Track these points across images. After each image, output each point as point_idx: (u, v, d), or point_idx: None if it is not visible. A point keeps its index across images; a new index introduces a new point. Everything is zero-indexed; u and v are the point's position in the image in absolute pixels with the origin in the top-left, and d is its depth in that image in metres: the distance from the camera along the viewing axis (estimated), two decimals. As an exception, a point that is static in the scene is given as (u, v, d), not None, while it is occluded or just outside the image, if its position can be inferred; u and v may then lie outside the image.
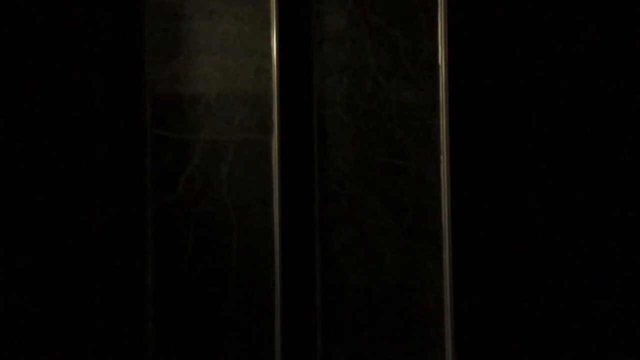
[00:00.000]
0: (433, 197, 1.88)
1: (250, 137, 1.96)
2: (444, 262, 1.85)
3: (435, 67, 1.89)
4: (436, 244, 1.87)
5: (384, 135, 1.92)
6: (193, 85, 1.98)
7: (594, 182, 1.80)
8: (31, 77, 1.95)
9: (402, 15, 1.92)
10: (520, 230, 1.82)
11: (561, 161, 1.82)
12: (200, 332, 1.94)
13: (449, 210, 1.84)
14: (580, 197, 1.81)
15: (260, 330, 1.93)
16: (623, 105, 1.80)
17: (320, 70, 1.94)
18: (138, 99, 1.98)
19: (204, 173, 1.97)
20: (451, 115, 1.85)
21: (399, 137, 1.91)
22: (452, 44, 1.86)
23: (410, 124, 1.91)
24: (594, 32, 1.82)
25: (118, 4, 1.98)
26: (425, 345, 1.87)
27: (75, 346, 1.94)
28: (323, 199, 1.93)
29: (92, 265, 1.94)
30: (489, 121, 1.85)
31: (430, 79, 1.89)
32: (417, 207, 1.90)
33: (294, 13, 1.94)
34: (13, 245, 1.92)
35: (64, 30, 1.97)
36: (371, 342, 1.90)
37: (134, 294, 1.96)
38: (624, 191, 1.79)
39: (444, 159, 1.86)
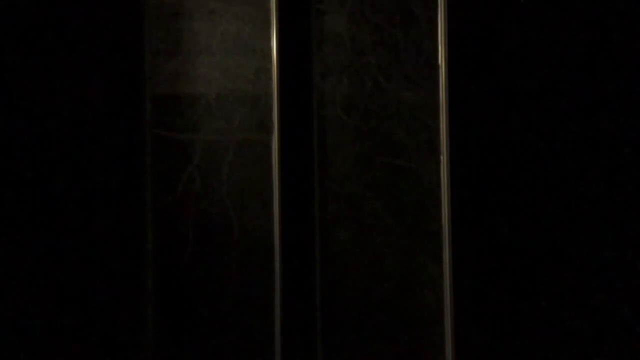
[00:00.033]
0: (433, 197, 1.88)
1: (250, 137, 1.96)
2: (444, 262, 1.85)
3: (435, 67, 1.89)
4: (436, 244, 1.88)
5: (384, 135, 1.92)
6: (193, 85, 1.98)
7: (594, 182, 1.80)
8: (31, 77, 1.95)
9: (402, 15, 1.92)
10: (520, 230, 1.82)
11: (561, 161, 1.82)
12: (200, 332, 1.95)
13: (449, 210, 1.84)
14: (580, 196, 1.81)
15: (260, 330, 1.93)
16: (623, 105, 1.80)
17: (320, 70, 1.94)
18: (138, 99, 1.98)
19: (204, 173, 1.97)
20: (451, 115, 1.85)
21: (399, 137, 1.91)
22: (452, 44, 1.86)
23: (410, 124, 1.91)
24: (594, 32, 1.82)
25: (118, 4, 1.99)
26: (425, 345, 1.87)
27: (75, 346, 1.94)
28: (323, 199, 1.93)
29: (92, 265, 1.94)
30: (489, 121, 1.85)
31: (430, 79, 1.89)
32: (417, 207, 1.90)
33: (294, 13, 1.94)
34: (13, 245, 1.92)
35: (64, 30, 1.97)
36: (371, 342, 1.90)
37: (134, 293, 1.96)
38: (624, 191, 1.79)
39: (444, 159, 1.86)
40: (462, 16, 1.86)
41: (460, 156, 1.85)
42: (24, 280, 1.92)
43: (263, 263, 1.94)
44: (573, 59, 1.83)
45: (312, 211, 1.93)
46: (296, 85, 1.94)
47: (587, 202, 1.80)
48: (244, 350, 1.94)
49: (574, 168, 1.81)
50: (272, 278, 1.92)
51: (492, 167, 1.84)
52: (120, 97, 1.98)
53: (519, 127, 1.84)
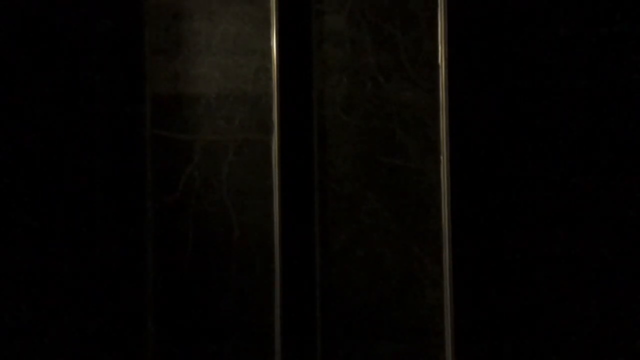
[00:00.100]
0: (433, 197, 1.88)
1: (250, 137, 1.96)
2: (444, 262, 1.85)
3: (435, 67, 1.89)
4: (436, 244, 1.87)
5: (384, 135, 1.92)
6: (193, 85, 1.98)
7: (594, 182, 1.80)
8: (31, 78, 1.95)
9: (402, 15, 1.92)
10: (520, 230, 1.82)
11: (561, 161, 1.82)
12: (201, 332, 1.95)
13: (449, 210, 1.84)
14: (580, 196, 1.81)
15: (260, 330, 1.93)
16: (623, 104, 1.80)
17: (320, 70, 1.94)
18: (138, 99, 1.98)
19: (204, 173, 1.97)
20: (451, 115, 1.85)
21: (399, 137, 1.91)
22: (452, 44, 1.86)
23: (410, 124, 1.91)
24: (595, 32, 1.82)
25: (118, 4, 1.99)
26: (425, 345, 1.87)
27: (75, 346, 1.94)
28: (323, 199, 1.93)
29: (92, 265, 1.94)
30: (489, 121, 1.85)
31: (430, 79, 1.89)
32: (417, 207, 1.90)
33: (294, 13, 1.94)
34: (13, 245, 1.92)
35: (64, 31, 1.97)
36: (371, 342, 1.90)
37: (134, 294, 1.96)
38: (625, 191, 1.79)
39: (444, 159, 1.86)
40: (462, 16, 1.86)
41: (460, 156, 1.85)
42: (24, 280, 1.92)
43: (263, 263, 1.94)
44: (573, 58, 1.83)
45: (312, 211, 1.93)
46: (296, 85, 1.94)
47: (587, 202, 1.80)
48: (244, 350, 1.94)
49: (574, 168, 1.81)
50: (272, 278, 1.92)
51: (492, 167, 1.84)
52: (120, 97, 1.98)
53: (519, 127, 1.84)
